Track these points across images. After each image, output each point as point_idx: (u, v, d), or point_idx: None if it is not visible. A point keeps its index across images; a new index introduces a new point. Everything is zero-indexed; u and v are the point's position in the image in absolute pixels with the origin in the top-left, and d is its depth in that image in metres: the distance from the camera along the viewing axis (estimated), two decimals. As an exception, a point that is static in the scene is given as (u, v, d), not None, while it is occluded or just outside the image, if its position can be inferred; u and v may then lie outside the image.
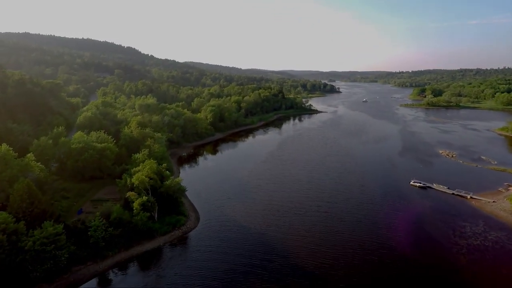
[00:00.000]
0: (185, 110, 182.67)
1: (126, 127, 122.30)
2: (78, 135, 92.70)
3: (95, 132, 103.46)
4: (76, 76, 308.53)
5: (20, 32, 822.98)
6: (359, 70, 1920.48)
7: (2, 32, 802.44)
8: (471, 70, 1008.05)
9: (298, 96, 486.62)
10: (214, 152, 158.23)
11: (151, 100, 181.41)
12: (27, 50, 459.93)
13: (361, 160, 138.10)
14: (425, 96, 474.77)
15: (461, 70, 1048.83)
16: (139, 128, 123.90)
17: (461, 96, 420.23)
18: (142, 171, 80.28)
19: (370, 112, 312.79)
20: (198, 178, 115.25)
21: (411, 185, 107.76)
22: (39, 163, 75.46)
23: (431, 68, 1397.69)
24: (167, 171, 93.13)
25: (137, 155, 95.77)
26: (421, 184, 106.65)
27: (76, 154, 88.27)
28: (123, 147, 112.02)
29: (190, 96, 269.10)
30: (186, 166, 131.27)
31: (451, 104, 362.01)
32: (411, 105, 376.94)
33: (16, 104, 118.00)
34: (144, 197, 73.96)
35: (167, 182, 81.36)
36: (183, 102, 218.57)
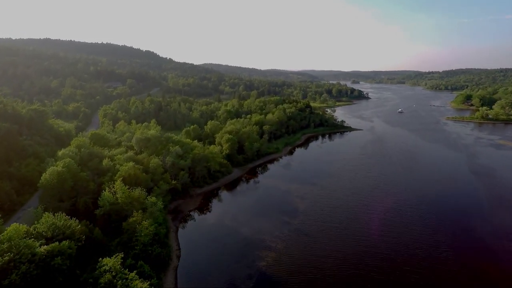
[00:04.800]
0: (195, 142, 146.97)
1: (107, 189, 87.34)
2: (11, 230, 57.64)
3: (51, 214, 68.37)
4: (82, 90, 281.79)
5: (42, 38, 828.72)
6: (383, 70, 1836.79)
7: (25, 38, 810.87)
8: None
9: (326, 104, 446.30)
10: (229, 203, 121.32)
11: (152, 130, 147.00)
12: (40, 58, 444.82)
13: (436, 229, 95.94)
14: (471, 105, 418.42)
15: (501, 70, 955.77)
16: (126, 187, 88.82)
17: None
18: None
19: (414, 129, 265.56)
20: (202, 263, 78.03)
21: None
22: None
23: (463, 67, 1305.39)
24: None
25: (106, 263, 59.93)
26: None
27: (1, 272, 53.55)
28: (97, 226, 77.00)
29: (205, 113, 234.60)
30: (190, 233, 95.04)
31: (511, 117, 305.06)
32: (460, 118, 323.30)
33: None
34: None
35: None
36: (195, 126, 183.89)
